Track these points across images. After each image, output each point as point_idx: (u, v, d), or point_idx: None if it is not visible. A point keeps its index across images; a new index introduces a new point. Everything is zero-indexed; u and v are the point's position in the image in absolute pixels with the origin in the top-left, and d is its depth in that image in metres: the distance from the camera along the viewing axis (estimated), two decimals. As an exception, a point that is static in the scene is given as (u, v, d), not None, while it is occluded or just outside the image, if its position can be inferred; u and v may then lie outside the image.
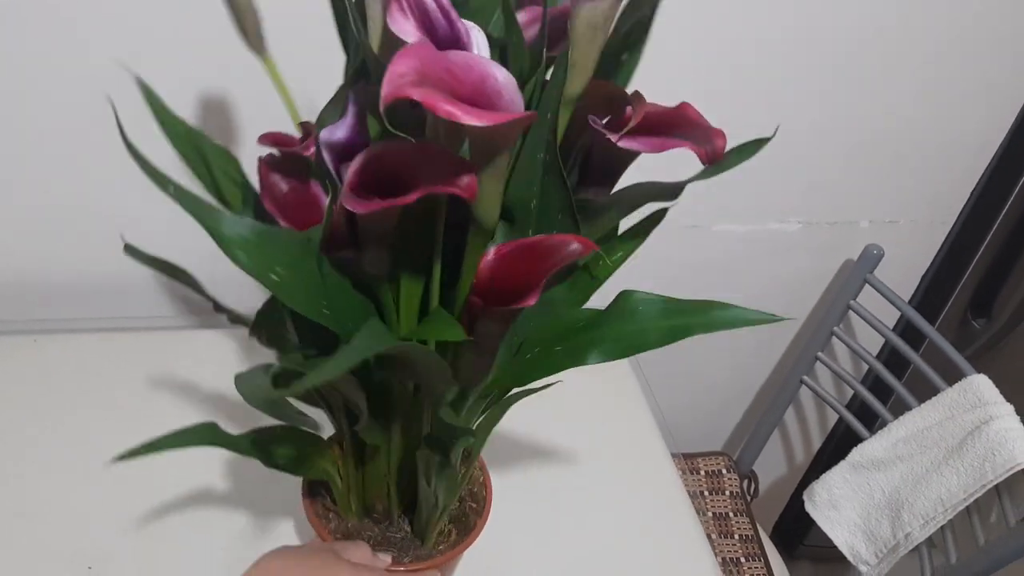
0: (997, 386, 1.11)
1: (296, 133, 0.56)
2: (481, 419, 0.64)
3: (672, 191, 0.52)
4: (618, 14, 0.50)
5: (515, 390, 0.62)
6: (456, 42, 0.46)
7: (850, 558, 1.25)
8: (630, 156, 0.53)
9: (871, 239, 1.28)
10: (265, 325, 0.59)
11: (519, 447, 0.99)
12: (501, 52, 0.53)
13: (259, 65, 0.92)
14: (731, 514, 1.37)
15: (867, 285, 1.27)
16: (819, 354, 1.33)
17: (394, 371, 0.56)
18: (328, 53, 0.57)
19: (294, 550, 0.60)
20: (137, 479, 0.88)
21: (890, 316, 1.30)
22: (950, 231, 1.35)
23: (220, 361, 1.02)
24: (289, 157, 0.54)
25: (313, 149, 0.53)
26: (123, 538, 0.83)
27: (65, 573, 0.79)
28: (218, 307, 0.61)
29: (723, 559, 1.30)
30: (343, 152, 0.49)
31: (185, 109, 0.89)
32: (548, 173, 0.51)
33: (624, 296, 0.56)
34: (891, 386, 1.24)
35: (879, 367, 1.26)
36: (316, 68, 0.67)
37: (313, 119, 0.53)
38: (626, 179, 0.56)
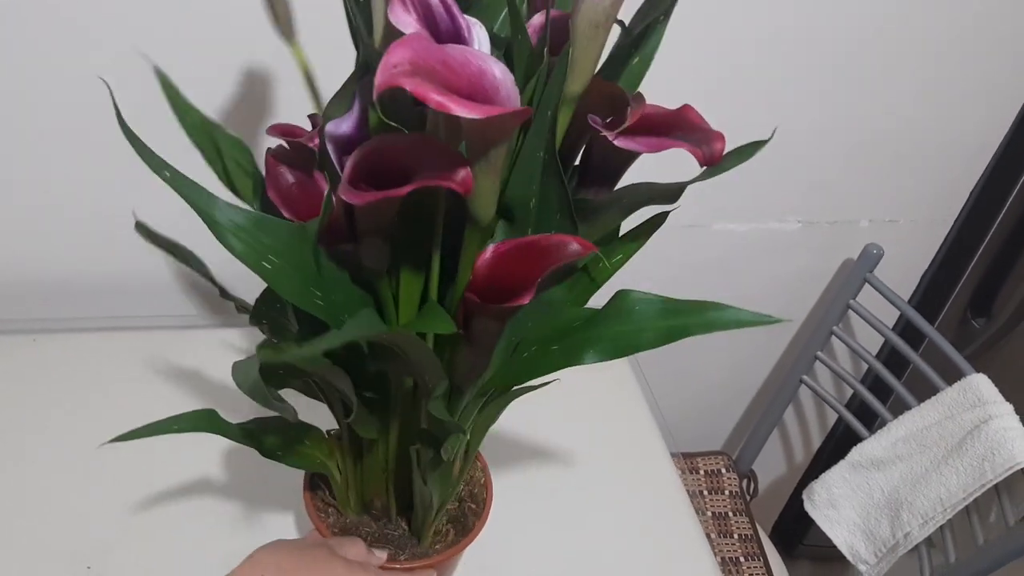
0: (997, 385, 1.11)
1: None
2: (478, 418, 0.64)
3: (672, 193, 0.52)
4: (623, 15, 0.51)
5: (513, 388, 0.62)
6: (457, 37, 0.46)
7: (849, 557, 1.25)
8: (630, 157, 0.53)
9: (871, 238, 1.28)
10: (267, 314, 0.59)
11: (519, 446, 0.99)
12: (507, 51, 0.53)
13: (258, 66, 0.92)
14: (730, 513, 1.37)
15: (867, 284, 1.27)
16: (819, 353, 1.33)
17: (387, 363, 0.56)
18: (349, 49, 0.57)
19: (289, 544, 0.60)
20: (137, 478, 0.88)
21: (890, 315, 1.30)
22: (950, 230, 1.35)
23: (220, 361, 1.01)
24: (296, 149, 0.54)
25: (317, 141, 0.53)
26: (122, 537, 0.83)
27: (64, 572, 0.79)
28: (224, 294, 0.61)
29: (722, 559, 1.30)
30: (347, 145, 0.49)
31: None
32: (547, 172, 0.51)
33: (621, 295, 0.56)
34: (891, 385, 1.24)
35: (879, 366, 1.26)
36: (338, 62, 0.67)
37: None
38: (628, 182, 0.56)
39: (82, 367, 1.00)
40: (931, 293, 1.41)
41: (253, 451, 0.64)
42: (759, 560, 1.31)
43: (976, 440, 1.06)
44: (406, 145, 0.45)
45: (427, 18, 0.45)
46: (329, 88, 0.54)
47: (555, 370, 0.57)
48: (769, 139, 0.50)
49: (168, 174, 0.46)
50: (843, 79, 1.11)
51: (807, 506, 1.31)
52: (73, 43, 0.87)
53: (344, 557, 0.61)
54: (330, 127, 0.49)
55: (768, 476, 1.71)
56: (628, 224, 0.60)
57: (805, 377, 1.36)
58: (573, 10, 0.48)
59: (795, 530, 1.72)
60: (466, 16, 0.47)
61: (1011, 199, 1.25)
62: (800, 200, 1.25)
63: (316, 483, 0.72)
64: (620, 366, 1.14)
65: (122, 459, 0.89)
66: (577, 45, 0.49)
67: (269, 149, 0.55)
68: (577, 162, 0.57)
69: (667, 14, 0.55)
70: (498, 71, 0.41)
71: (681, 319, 0.53)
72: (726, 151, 0.50)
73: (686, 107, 0.51)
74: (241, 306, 0.62)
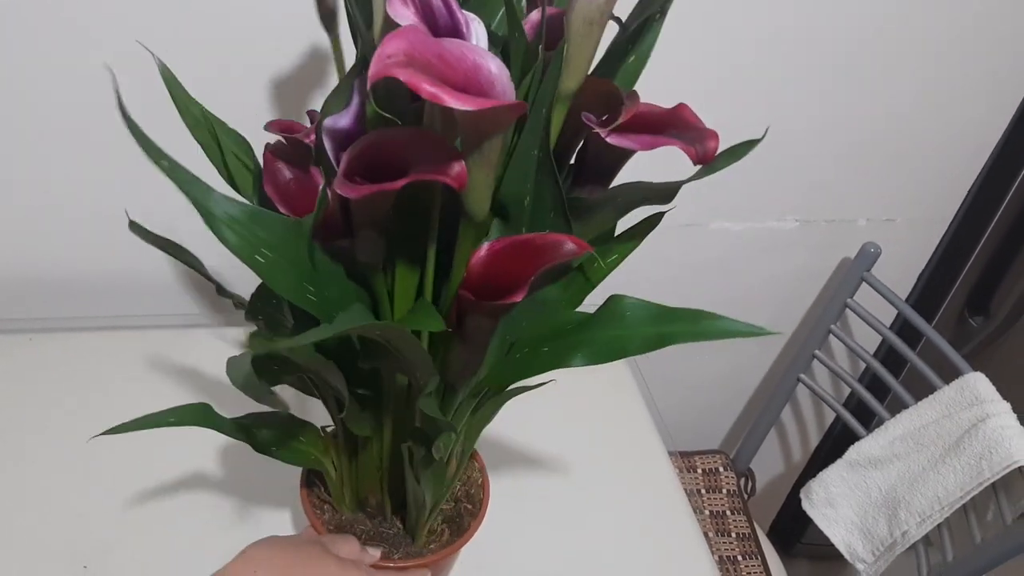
0: (994, 384, 1.11)
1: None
2: (472, 418, 0.64)
3: (666, 192, 0.52)
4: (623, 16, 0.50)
5: (511, 387, 0.61)
6: (455, 32, 0.46)
7: (847, 556, 1.26)
8: (624, 155, 0.53)
9: (868, 237, 1.28)
10: (262, 309, 0.59)
11: (517, 446, 0.99)
12: (504, 48, 0.53)
13: (258, 65, 0.92)
14: (728, 512, 1.37)
15: (864, 283, 1.27)
16: (816, 352, 1.33)
17: (379, 359, 0.56)
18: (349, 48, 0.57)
19: (282, 540, 0.60)
20: (135, 477, 0.88)
21: (887, 314, 1.30)
22: (947, 229, 1.35)
23: (219, 360, 1.01)
24: (293, 145, 0.54)
25: (314, 136, 0.53)
26: (120, 536, 0.83)
27: (62, 571, 0.79)
28: (221, 291, 0.61)
29: (720, 557, 1.30)
30: (346, 141, 0.50)
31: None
32: (541, 170, 0.51)
33: (614, 300, 0.56)
34: (888, 384, 1.24)
35: (876, 365, 1.26)
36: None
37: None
38: (624, 181, 0.56)
39: (80, 366, 0.99)
40: (929, 292, 1.41)
41: (250, 449, 0.64)
42: (757, 559, 1.31)
43: (973, 438, 1.06)
44: (402, 139, 0.46)
45: (425, 12, 0.45)
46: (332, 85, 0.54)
47: (545, 371, 0.57)
48: (762, 138, 0.50)
49: (166, 163, 0.46)
50: (841, 78, 1.11)
51: (805, 505, 1.31)
52: (73, 43, 0.87)
53: (337, 555, 0.61)
54: (328, 122, 0.50)
55: (766, 475, 1.71)
56: (624, 224, 0.60)
57: (803, 376, 1.36)
58: (568, 7, 0.48)
59: (793, 529, 1.72)
60: (464, 11, 0.47)
61: (1008, 198, 1.25)
62: (798, 199, 1.25)
63: (312, 480, 0.72)
64: (618, 365, 1.14)
65: (120, 458, 0.89)
66: (572, 42, 0.49)
67: (267, 145, 0.55)
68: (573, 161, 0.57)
69: (663, 12, 0.55)
70: (494, 66, 0.41)
71: (671, 326, 0.53)
72: (722, 150, 0.50)
73: (681, 106, 0.51)
74: (238, 302, 0.62)
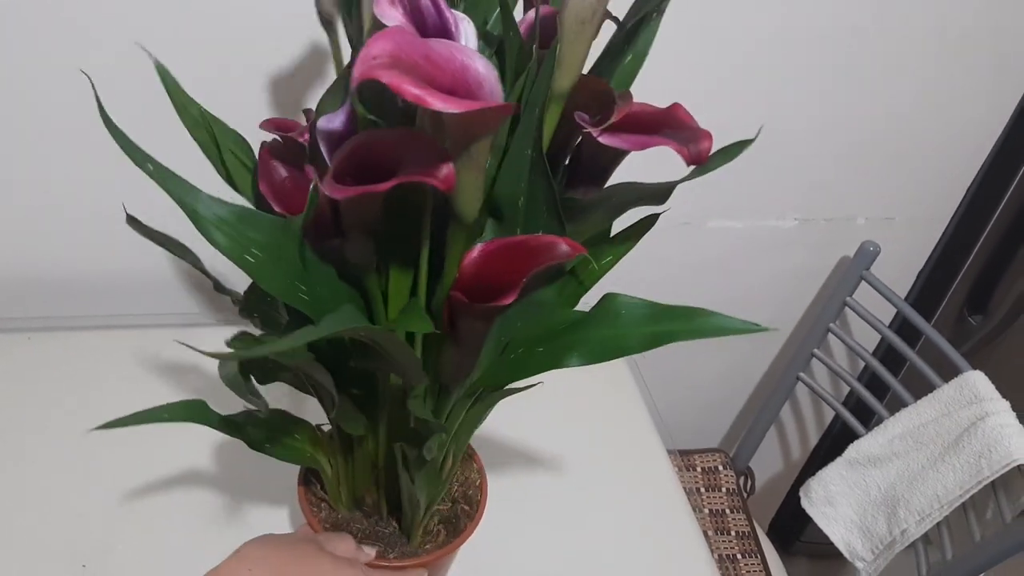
0: (993, 382, 1.11)
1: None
2: (464, 418, 0.64)
3: (660, 193, 0.52)
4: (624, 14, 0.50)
5: (498, 390, 0.61)
6: (444, 32, 0.46)
7: (846, 554, 1.26)
8: (618, 155, 0.52)
9: (867, 236, 1.28)
10: (257, 307, 0.59)
11: (516, 444, 0.99)
12: (499, 48, 0.53)
13: (258, 64, 0.92)
14: (727, 511, 1.37)
15: (863, 282, 1.27)
16: (815, 351, 1.33)
17: (370, 360, 0.56)
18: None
19: (277, 539, 0.60)
20: (134, 476, 0.88)
21: (886, 313, 1.30)
22: (946, 228, 1.35)
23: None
24: (289, 144, 0.54)
25: (307, 136, 0.53)
26: (119, 536, 0.83)
27: (60, 570, 0.79)
28: (219, 287, 0.61)
29: (719, 556, 1.30)
30: (339, 141, 0.50)
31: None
32: (534, 170, 0.51)
33: (608, 299, 0.55)
34: (887, 383, 1.24)
35: (875, 364, 1.26)
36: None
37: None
38: (621, 182, 0.56)
39: (79, 365, 0.99)
40: (928, 290, 1.41)
41: (249, 448, 0.64)
42: (756, 557, 1.31)
43: (973, 437, 1.06)
44: (391, 140, 0.45)
45: (414, 12, 0.45)
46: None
47: (540, 372, 0.57)
48: (755, 138, 0.50)
49: (151, 167, 0.46)
50: (840, 77, 1.11)
51: (804, 503, 1.31)
52: (73, 43, 0.87)
53: (332, 553, 0.61)
54: (322, 122, 0.49)
55: (765, 473, 1.71)
56: (620, 225, 0.60)
57: (802, 375, 1.36)
58: (561, 6, 0.48)
59: (792, 527, 1.73)
60: (454, 11, 0.46)
61: (1007, 196, 1.25)
62: (797, 198, 1.25)
63: (310, 478, 0.72)
64: (617, 364, 1.14)
65: (119, 457, 0.89)
66: (564, 41, 0.48)
67: (264, 143, 0.55)
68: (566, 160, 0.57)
69: (660, 11, 0.55)
70: (482, 66, 0.40)
71: (667, 325, 0.53)
72: (717, 149, 0.50)
73: (675, 106, 0.51)
74: (236, 299, 0.62)
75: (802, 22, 1.04)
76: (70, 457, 0.88)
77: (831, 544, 1.27)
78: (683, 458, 1.43)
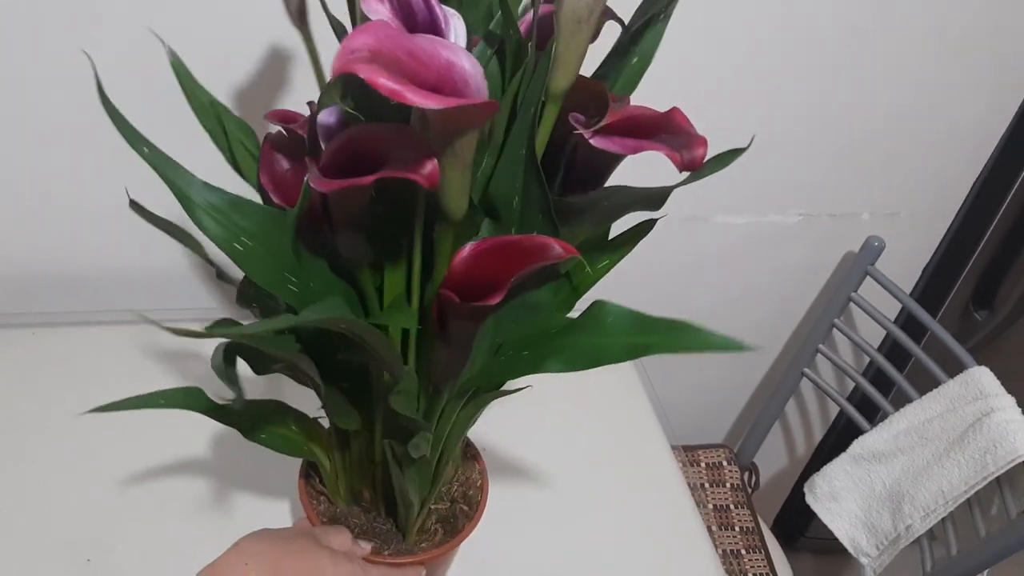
0: (999, 378, 1.11)
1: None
2: (454, 418, 0.64)
3: (656, 198, 0.51)
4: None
5: (487, 393, 0.61)
6: (434, 27, 0.46)
7: (851, 550, 1.25)
8: (614, 158, 0.52)
9: (872, 231, 1.28)
10: (255, 296, 0.59)
11: (519, 439, 0.99)
12: (500, 47, 0.53)
13: (266, 53, 0.92)
14: (732, 506, 1.37)
15: (868, 277, 1.27)
16: (820, 346, 1.33)
17: (354, 354, 0.55)
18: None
19: (273, 533, 0.60)
20: (138, 471, 0.88)
21: (891, 308, 1.29)
22: (951, 223, 1.34)
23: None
24: (291, 135, 0.54)
25: (306, 128, 0.53)
26: (122, 530, 0.83)
27: (64, 565, 0.79)
28: (221, 275, 0.61)
29: (724, 551, 1.30)
30: (335, 135, 0.49)
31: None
32: (527, 170, 0.50)
33: (597, 306, 0.55)
34: (892, 378, 1.24)
35: (880, 359, 1.25)
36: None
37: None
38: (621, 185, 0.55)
39: (83, 361, 1.00)
40: (933, 286, 1.40)
41: (254, 443, 0.64)
42: (760, 553, 1.31)
43: (978, 433, 1.06)
44: (379, 135, 0.45)
45: (403, 8, 0.44)
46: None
47: (525, 375, 0.56)
48: (747, 147, 0.49)
49: (147, 150, 0.46)
50: (844, 72, 1.11)
51: (808, 499, 1.31)
52: (81, 35, 0.86)
53: (329, 546, 0.61)
54: (322, 116, 0.49)
55: (769, 469, 1.71)
56: (620, 228, 0.59)
57: (807, 370, 1.36)
58: (557, 5, 0.47)
59: (796, 523, 1.72)
60: (444, 7, 0.46)
61: (1013, 191, 1.25)
62: (801, 193, 1.25)
63: (311, 472, 0.72)
64: (621, 359, 1.14)
65: (123, 452, 0.89)
66: (560, 40, 0.48)
67: (268, 134, 0.55)
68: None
69: (667, 14, 0.54)
70: (468, 63, 0.40)
71: (650, 337, 0.52)
72: (723, 147, 0.50)
73: (674, 110, 0.50)
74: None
75: (807, 17, 1.04)
76: (74, 452, 0.88)
77: (835, 540, 1.27)
78: (687, 453, 1.43)
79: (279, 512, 0.87)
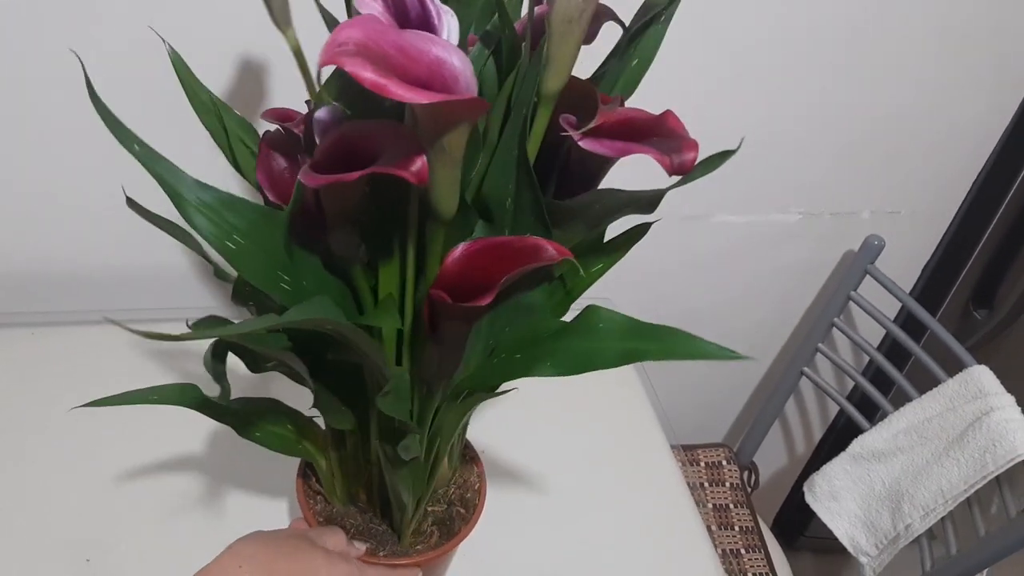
0: (998, 377, 1.11)
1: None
2: (444, 420, 0.64)
3: (648, 201, 0.51)
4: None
5: (475, 395, 0.61)
6: (426, 23, 0.45)
7: (850, 549, 1.25)
8: (607, 160, 0.52)
9: (872, 230, 1.28)
10: (252, 294, 0.59)
11: (518, 437, 0.99)
12: (497, 47, 0.53)
13: (265, 51, 0.92)
14: (731, 505, 1.37)
15: (868, 276, 1.27)
16: (819, 345, 1.33)
17: (343, 353, 0.55)
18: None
19: (267, 535, 0.60)
20: (138, 471, 0.88)
21: (891, 307, 1.29)
22: (951, 222, 1.34)
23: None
24: (289, 134, 0.54)
25: (304, 127, 0.53)
26: (122, 530, 0.83)
27: (64, 565, 0.79)
28: (219, 273, 0.61)
29: (723, 551, 1.30)
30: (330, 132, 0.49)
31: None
32: (519, 171, 0.50)
33: (590, 311, 0.54)
34: (892, 377, 1.24)
35: (880, 358, 1.25)
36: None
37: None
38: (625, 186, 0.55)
39: (83, 360, 0.99)
40: (932, 285, 1.40)
41: (253, 443, 0.64)
42: (760, 552, 1.31)
43: (977, 432, 1.06)
44: (369, 132, 0.45)
45: (396, 4, 0.44)
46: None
47: (516, 378, 0.56)
48: (737, 149, 0.49)
49: (137, 148, 0.46)
50: (844, 70, 1.11)
51: (808, 498, 1.31)
52: (79, 34, 0.86)
53: (324, 547, 0.61)
54: (319, 113, 0.49)
55: (769, 468, 1.71)
56: (618, 231, 0.59)
57: (806, 369, 1.36)
58: (548, 5, 0.47)
59: (796, 522, 1.72)
60: (438, 3, 0.46)
61: (1013, 190, 1.25)
62: (801, 192, 1.25)
63: (308, 471, 0.72)
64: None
65: (123, 452, 0.89)
66: (552, 40, 0.48)
67: (266, 132, 0.55)
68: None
69: (669, 15, 0.54)
70: (457, 60, 0.40)
71: (640, 343, 0.51)
72: (730, 147, 0.49)
73: (667, 113, 0.50)
74: None
75: (807, 14, 1.04)
76: (74, 451, 0.88)
77: (835, 539, 1.27)
78: (687, 453, 1.43)
79: (277, 511, 0.87)
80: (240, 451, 0.90)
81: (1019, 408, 1.06)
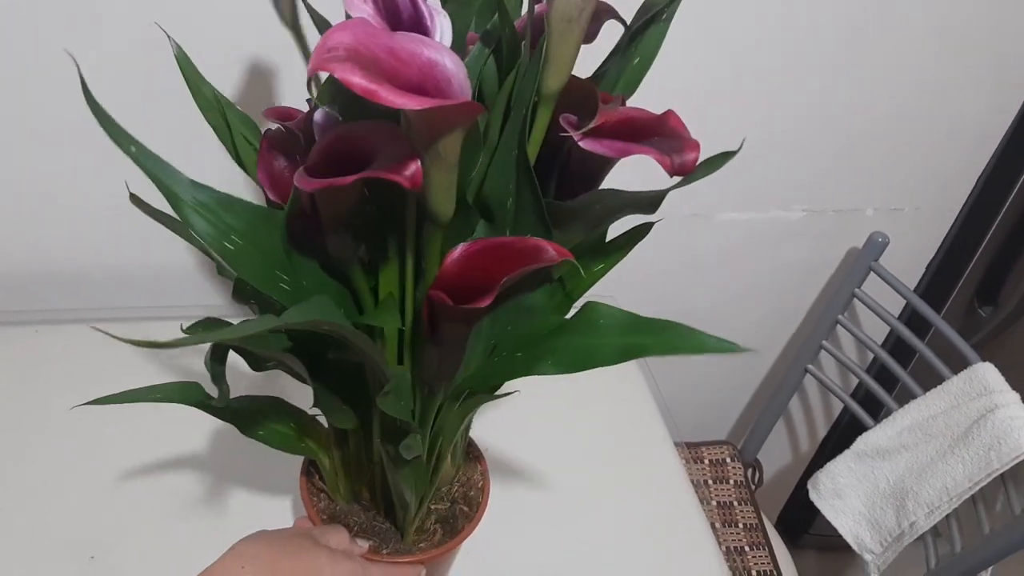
0: (1003, 374, 1.10)
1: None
2: (446, 420, 0.63)
3: (649, 201, 0.51)
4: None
5: (475, 396, 0.60)
6: (419, 26, 0.45)
7: (855, 547, 1.25)
8: (607, 161, 0.51)
9: (876, 227, 1.27)
10: (254, 294, 0.59)
11: (523, 435, 0.99)
12: (497, 47, 0.53)
13: (271, 50, 0.92)
14: (735, 503, 1.37)
15: (872, 273, 1.26)
16: (824, 343, 1.33)
17: (343, 353, 0.55)
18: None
19: (269, 535, 0.60)
20: (141, 468, 0.88)
21: (895, 304, 1.29)
22: (956, 219, 1.34)
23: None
24: (290, 134, 0.54)
25: (303, 126, 0.53)
26: (125, 527, 0.83)
27: (67, 563, 0.79)
28: (222, 271, 0.61)
29: (727, 548, 1.30)
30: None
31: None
32: (519, 171, 0.50)
33: (590, 307, 0.54)
34: (896, 375, 1.24)
35: (884, 356, 1.25)
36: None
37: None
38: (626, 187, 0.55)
39: (85, 358, 0.99)
40: (937, 282, 1.40)
41: (257, 442, 0.64)
42: (764, 549, 1.30)
43: (982, 429, 1.06)
44: (364, 135, 0.45)
45: (388, 6, 0.44)
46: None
47: (517, 378, 0.56)
48: (738, 150, 0.48)
49: (134, 149, 0.46)
50: (846, 70, 1.10)
51: (812, 495, 1.31)
52: (80, 34, 0.86)
53: (327, 546, 0.61)
54: (318, 115, 0.49)
55: (773, 466, 1.70)
56: (619, 229, 0.59)
57: (810, 366, 1.35)
58: (548, 4, 0.47)
59: (800, 519, 1.72)
60: (430, 5, 0.45)
61: (1017, 187, 1.24)
62: (804, 189, 1.24)
63: (312, 469, 0.72)
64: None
65: (128, 450, 0.89)
66: (552, 40, 0.47)
67: (267, 131, 0.55)
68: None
69: (670, 13, 0.54)
70: (450, 63, 0.39)
71: (641, 338, 0.51)
72: (733, 145, 0.49)
73: (668, 112, 0.50)
74: None
75: (811, 11, 1.04)
76: (76, 450, 0.89)
77: (839, 536, 1.27)
78: (690, 450, 1.43)
79: (280, 509, 0.87)
80: (243, 449, 0.90)
81: (1024, 405, 1.06)
